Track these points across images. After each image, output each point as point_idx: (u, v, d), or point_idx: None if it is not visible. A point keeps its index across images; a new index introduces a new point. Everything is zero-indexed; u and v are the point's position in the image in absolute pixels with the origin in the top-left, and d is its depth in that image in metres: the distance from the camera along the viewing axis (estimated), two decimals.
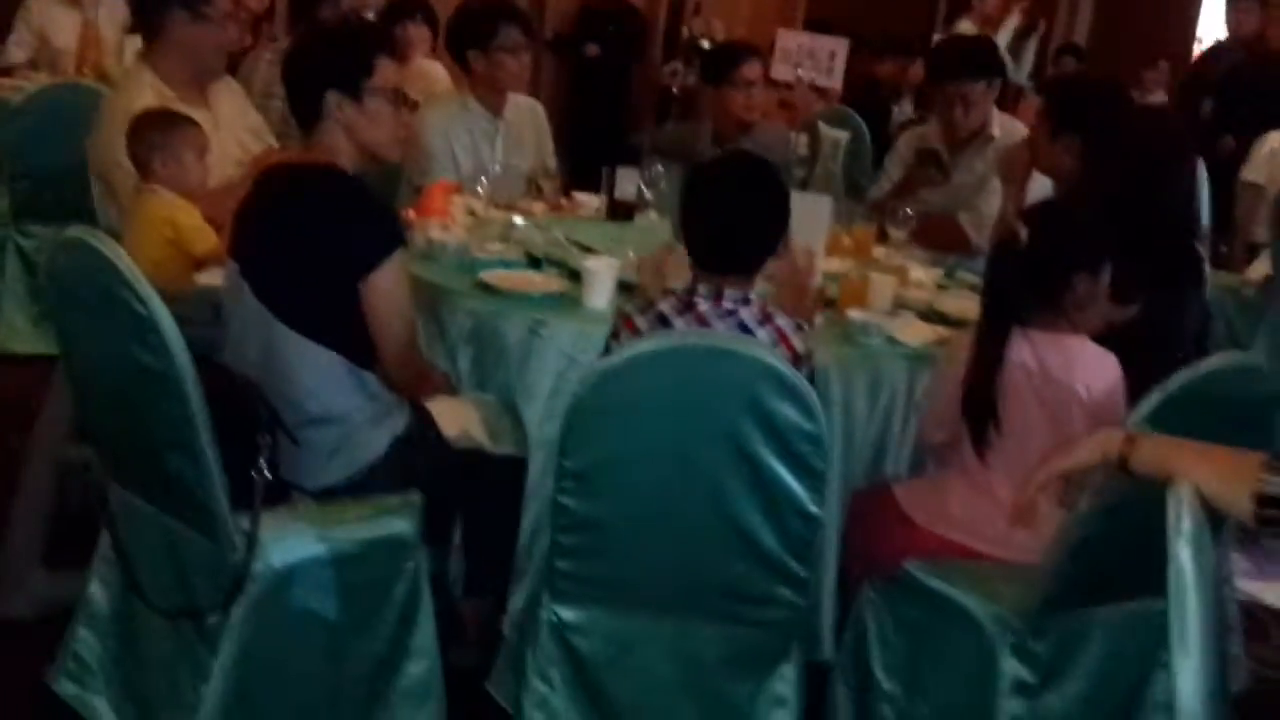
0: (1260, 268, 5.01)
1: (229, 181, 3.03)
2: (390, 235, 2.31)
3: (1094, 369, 2.36)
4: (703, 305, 2.28)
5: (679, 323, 2.27)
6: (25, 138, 4.07)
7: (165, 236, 2.86)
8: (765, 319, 2.28)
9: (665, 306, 2.30)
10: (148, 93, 3.16)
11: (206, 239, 2.85)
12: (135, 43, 4.86)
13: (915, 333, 2.72)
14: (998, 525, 2.35)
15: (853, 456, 2.62)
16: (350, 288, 2.26)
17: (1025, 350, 2.36)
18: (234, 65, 4.40)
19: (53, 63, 4.99)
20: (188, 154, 2.92)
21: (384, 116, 2.37)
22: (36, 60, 5.01)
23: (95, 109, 3.30)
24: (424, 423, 2.44)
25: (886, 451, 2.66)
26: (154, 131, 2.92)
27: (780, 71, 3.18)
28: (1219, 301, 4.95)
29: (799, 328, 2.32)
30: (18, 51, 5.01)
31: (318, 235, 2.26)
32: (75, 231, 2.15)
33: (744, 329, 2.26)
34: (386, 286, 2.28)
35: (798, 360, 2.24)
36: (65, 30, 5.07)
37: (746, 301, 2.29)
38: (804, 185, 3.51)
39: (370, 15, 5.38)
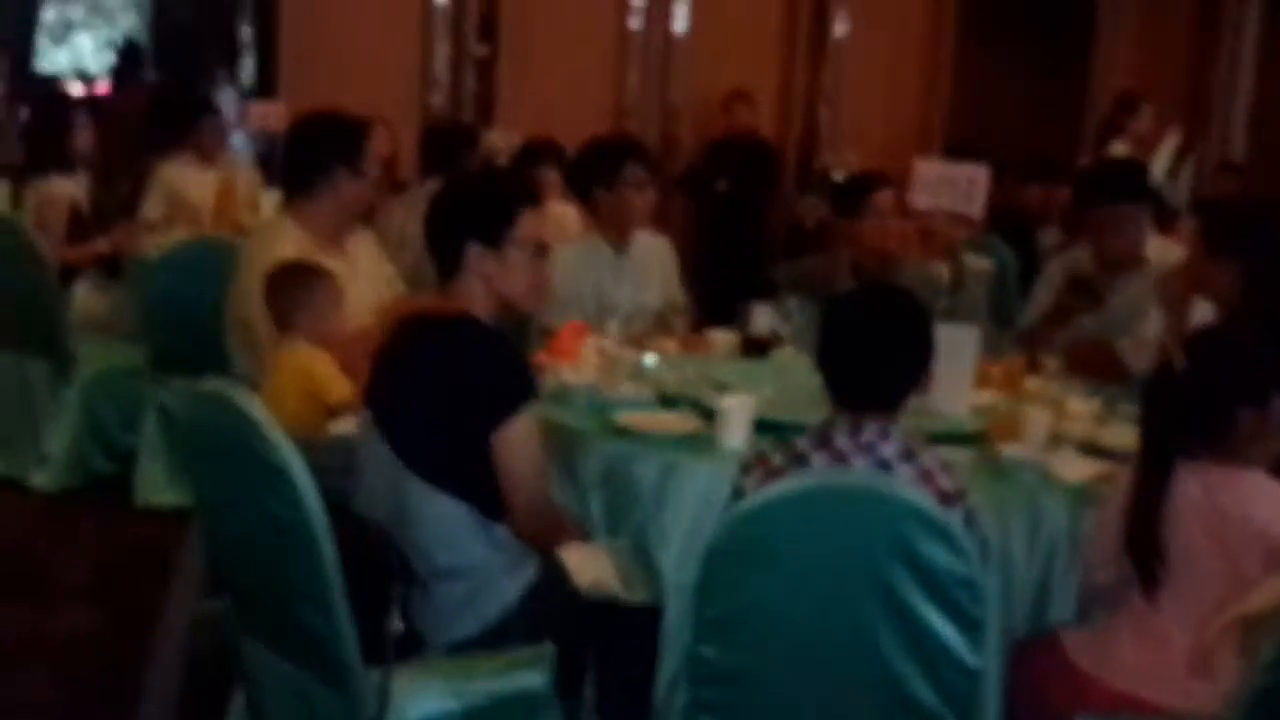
0: None
1: (363, 330, 3.05)
2: (523, 388, 2.30)
3: (1271, 504, 2.20)
4: (840, 440, 2.19)
5: (816, 459, 2.18)
6: (164, 292, 4.19)
7: (302, 387, 2.88)
8: (908, 455, 2.17)
9: (801, 442, 2.21)
10: (288, 243, 3.22)
11: (341, 387, 2.87)
12: (269, 196, 5.09)
13: (1075, 469, 2.57)
14: (1173, 673, 2.21)
15: (1013, 603, 2.47)
16: (482, 439, 2.25)
17: (1193, 485, 2.22)
18: (368, 214, 4.53)
19: (190, 219, 5.19)
20: (324, 306, 2.96)
21: (523, 267, 2.38)
22: (172, 217, 5.23)
23: (231, 262, 3.38)
24: (555, 572, 2.38)
25: (1050, 597, 2.50)
26: (292, 284, 2.96)
27: (919, 201, 3.10)
28: None
29: (948, 466, 2.19)
30: (154, 210, 5.25)
31: (451, 385, 2.26)
32: (211, 383, 2.18)
33: (884, 465, 2.16)
34: (518, 439, 2.26)
35: (947, 499, 2.12)
36: (198, 188, 5.28)
37: (887, 436, 2.18)
38: (948, 316, 3.39)
39: (503, 160, 5.52)
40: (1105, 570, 2.33)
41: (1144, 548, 2.22)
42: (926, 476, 2.15)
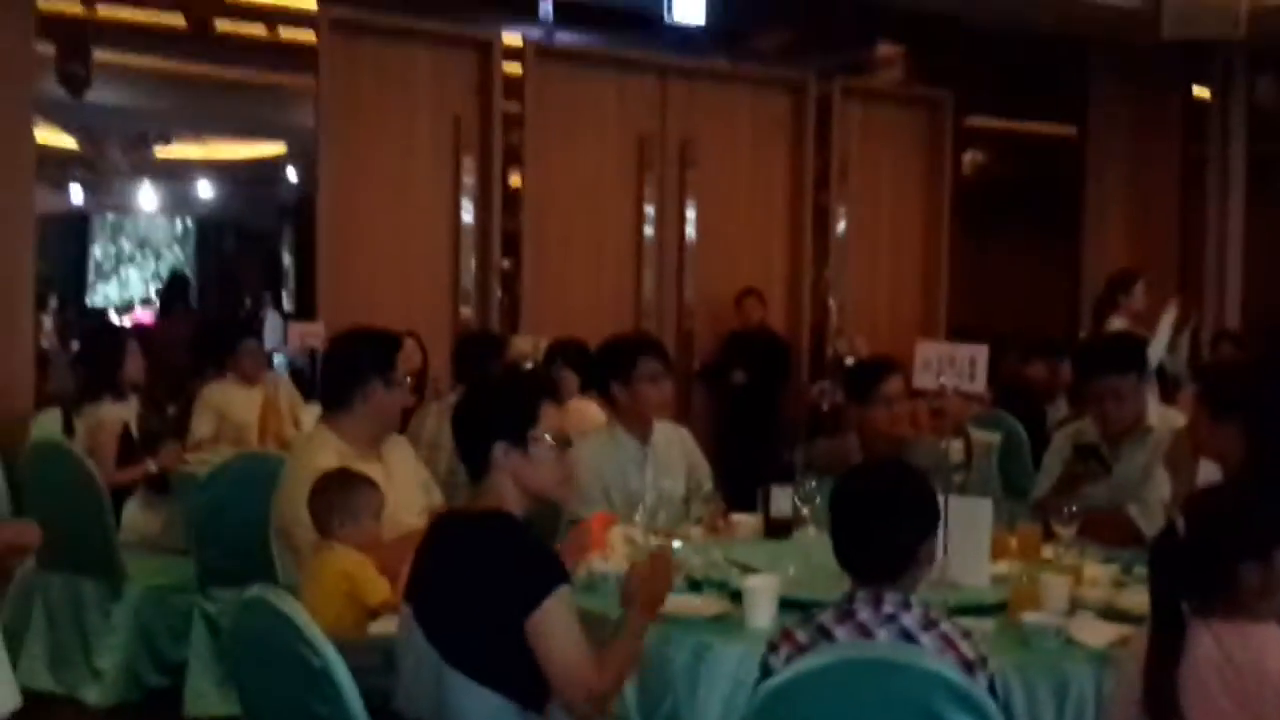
0: None
1: (404, 534, 3.16)
2: (551, 573, 2.35)
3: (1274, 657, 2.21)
4: (862, 613, 2.24)
5: (839, 632, 2.22)
6: (213, 508, 4.31)
7: (342, 590, 2.96)
8: (929, 624, 2.22)
9: (824, 617, 2.26)
10: (330, 453, 3.36)
11: (381, 589, 2.95)
12: (309, 410, 5.27)
13: (1097, 633, 2.61)
14: None
15: None
16: (516, 629, 2.29)
17: (1208, 642, 2.24)
18: (402, 421, 4.69)
19: (236, 438, 5.37)
20: (365, 513, 3.07)
21: (549, 461, 2.48)
22: (219, 436, 5.40)
23: (277, 476, 3.51)
24: None
25: None
26: (334, 492, 3.08)
27: (922, 380, 3.23)
28: None
29: (968, 634, 2.25)
30: (203, 429, 5.43)
31: (482, 578, 2.33)
32: (255, 590, 2.28)
33: (907, 636, 2.19)
34: (551, 623, 2.30)
35: (970, 667, 2.16)
36: (243, 407, 5.49)
37: (908, 606, 2.24)
38: (963, 491, 3.48)
39: (529, 365, 5.71)
40: None
41: (1162, 708, 2.22)
42: (949, 644, 2.19)
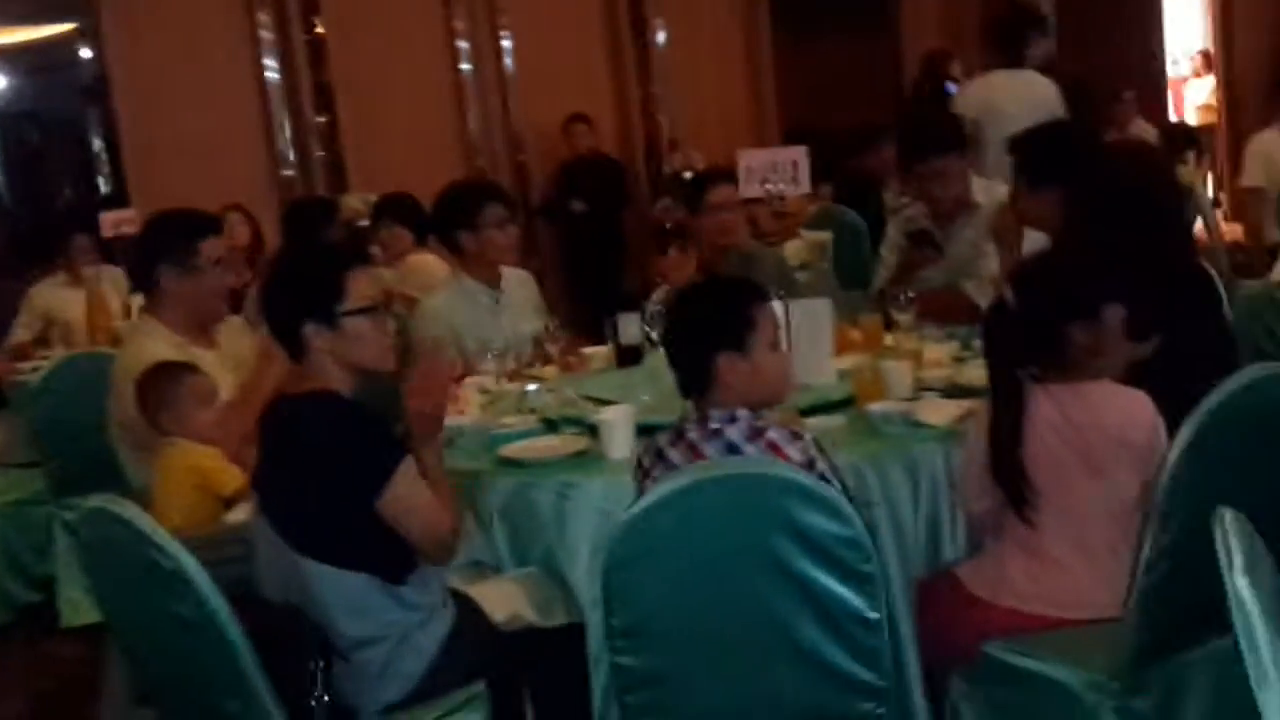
0: None
1: (227, 411, 3.05)
2: (389, 451, 2.28)
3: (1122, 410, 2.32)
4: (691, 432, 2.26)
5: (673, 454, 2.25)
6: (52, 415, 4.14)
7: (191, 484, 2.89)
8: (755, 434, 2.23)
9: (661, 439, 2.29)
10: (158, 343, 3.22)
11: (232, 478, 2.87)
12: (140, 301, 5.06)
13: (940, 412, 2.69)
14: (1064, 586, 2.31)
15: (908, 549, 2.57)
16: (367, 510, 2.25)
17: (1046, 405, 2.33)
18: (238, 301, 4.53)
19: (65, 338, 5.14)
20: (194, 403, 2.96)
21: (366, 333, 2.35)
22: (47, 339, 5.16)
23: (109, 374, 3.37)
24: (471, 614, 2.42)
25: (941, 536, 2.60)
26: (159, 387, 2.97)
27: (748, 189, 3.22)
28: (1256, 311, 4.91)
29: (796, 436, 2.26)
30: (23, 333, 5.18)
31: (323, 467, 2.26)
32: (96, 500, 2.20)
33: (732, 448, 2.22)
34: (402, 498, 2.26)
35: (807, 466, 2.20)
36: (71, 306, 5.25)
37: (734, 420, 2.25)
38: (808, 292, 3.53)
39: (364, 223, 5.54)
40: (979, 501, 2.42)
41: (1010, 474, 2.31)
42: (775, 450, 2.21)
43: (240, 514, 2.84)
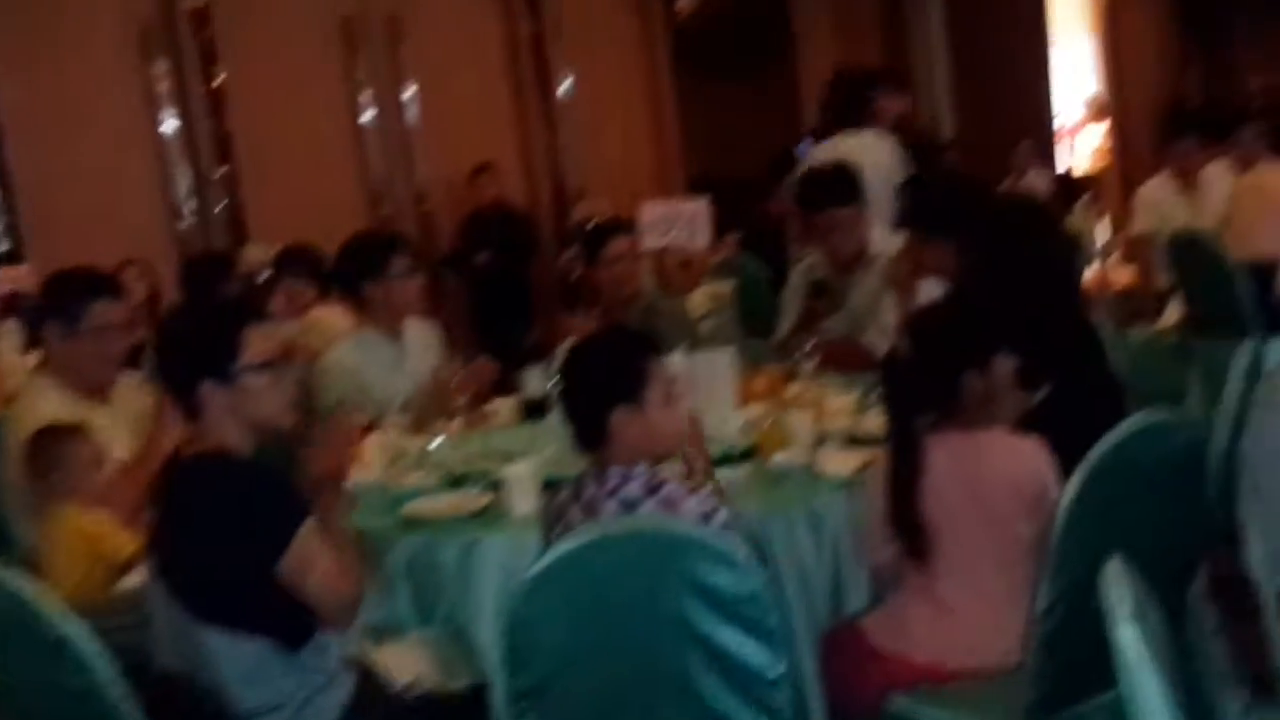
0: (1173, 313, 5.12)
1: (121, 475, 2.98)
2: (291, 510, 2.23)
3: (1013, 457, 2.36)
4: (589, 489, 2.25)
5: (572, 511, 2.25)
6: None
7: (81, 551, 2.80)
8: (651, 490, 2.23)
9: (561, 497, 2.29)
10: (49, 402, 3.15)
11: (124, 544, 2.78)
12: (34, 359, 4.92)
13: (840, 462, 2.72)
14: (963, 634, 2.33)
15: (813, 601, 2.59)
16: (267, 573, 2.20)
17: (941, 455, 2.36)
18: (136, 357, 4.43)
19: None
20: (82, 466, 2.88)
21: (264, 390, 2.31)
22: None
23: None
24: (372, 681, 2.38)
25: (845, 588, 2.62)
26: (46, 450, 2.89)
27: (650, 241, 3.24)
28: (1147, 355, 5.05)
29: (694, 491, 2.27)
30: None
31: (221, 529, 2.20)
32: None
33: (629, 505, 2.21)
34: (302, 560, 2.20)
35: (703, 520, 2.20)
36: None
37: (629, 478, 2.24)
38: (709, 342, 3.55)
39: (266, 276, 5.46)
40: (880, 551, 2.44)
41: (907, 523, 2.34)
42: (669, 506, 2.21)
43: (135, 579, 2.77)
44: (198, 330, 2.42)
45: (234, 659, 2.22)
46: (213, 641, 2.22)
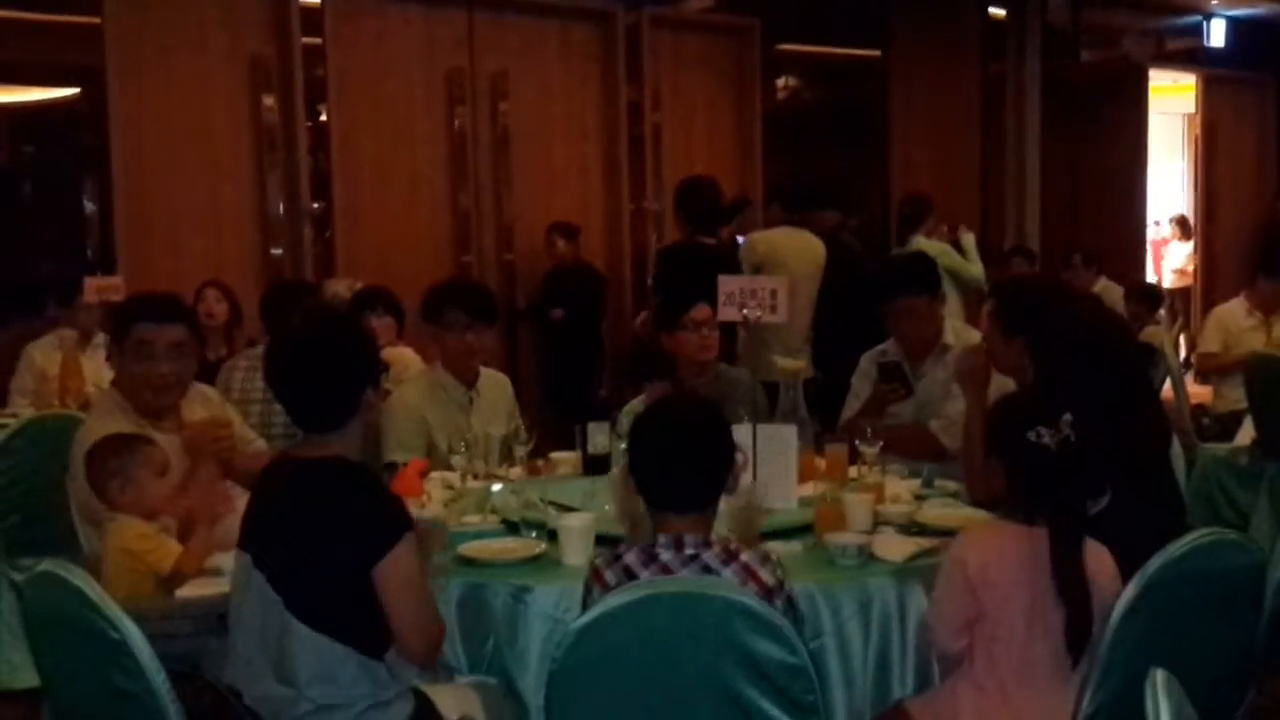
0: (1246, 433, 5.06)
1: (180, 484, 3.04)
2: (399, 520, 2.31)
3: (1100, 562, 2.35)
4: (665, 555, 2.26)
5: (644, 574, 2.25)
6: (11, 473, 4.08)
7: (126, 565, 2.81)
8: (729, 558, 2.26)
9: (630, 559, 2.29)
10: (117, 417, 3.21)
11: (166, 556, 2.80)
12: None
13: (896, 548, 2.71)
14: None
15: (855, 682, 2.57)
16: (363, 578, 2.26)
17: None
18: (213, 374, 4.53)
19: (38, 394, 5.13)
20: (145, 474, 2.90)
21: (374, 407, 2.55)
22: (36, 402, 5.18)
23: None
24: (430, 710, 2.41)
25: (890, 672, 2.60)
26: (108, 458, 2.91)
27: (726, 314, 3.26)
28: (1214, 474, 4.99)
29: (766, 559, 2.30)
30: (19, 399, 5.21)
31: (332, 526, 2.28)
32: (45, 565, 2.20)
33: (708, 572, 2.23)
34: (398, 570, 2.27)
35: (770, 594, 2.22)
36: (56, 365, 5.25)
37: (708, 545, 2.27)
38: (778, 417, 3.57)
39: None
40: (959, 638, 2.40)
41: (1074, 593, 2.28)
42: (750, 574, 2.23)
43: (188, 591, 2.82)
44: (366, 338, 2.60)
45: (314, 652, 2.27)
46: (300, 637, 2.27)
